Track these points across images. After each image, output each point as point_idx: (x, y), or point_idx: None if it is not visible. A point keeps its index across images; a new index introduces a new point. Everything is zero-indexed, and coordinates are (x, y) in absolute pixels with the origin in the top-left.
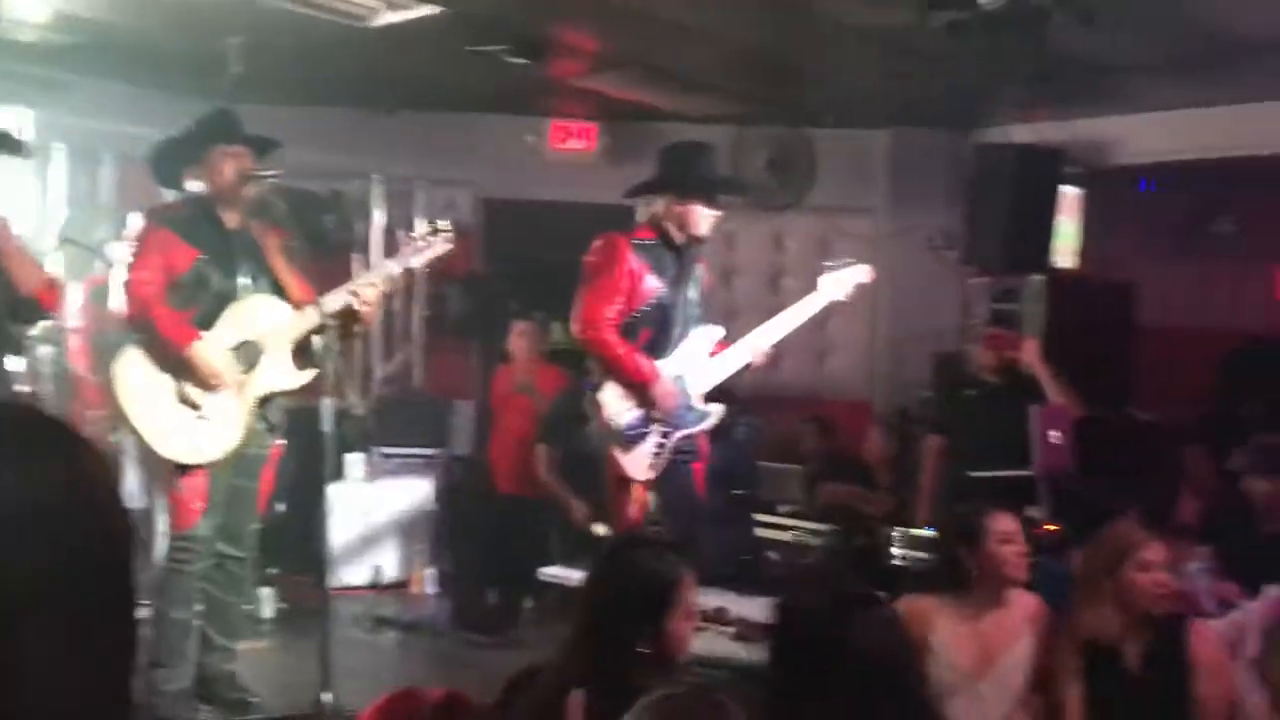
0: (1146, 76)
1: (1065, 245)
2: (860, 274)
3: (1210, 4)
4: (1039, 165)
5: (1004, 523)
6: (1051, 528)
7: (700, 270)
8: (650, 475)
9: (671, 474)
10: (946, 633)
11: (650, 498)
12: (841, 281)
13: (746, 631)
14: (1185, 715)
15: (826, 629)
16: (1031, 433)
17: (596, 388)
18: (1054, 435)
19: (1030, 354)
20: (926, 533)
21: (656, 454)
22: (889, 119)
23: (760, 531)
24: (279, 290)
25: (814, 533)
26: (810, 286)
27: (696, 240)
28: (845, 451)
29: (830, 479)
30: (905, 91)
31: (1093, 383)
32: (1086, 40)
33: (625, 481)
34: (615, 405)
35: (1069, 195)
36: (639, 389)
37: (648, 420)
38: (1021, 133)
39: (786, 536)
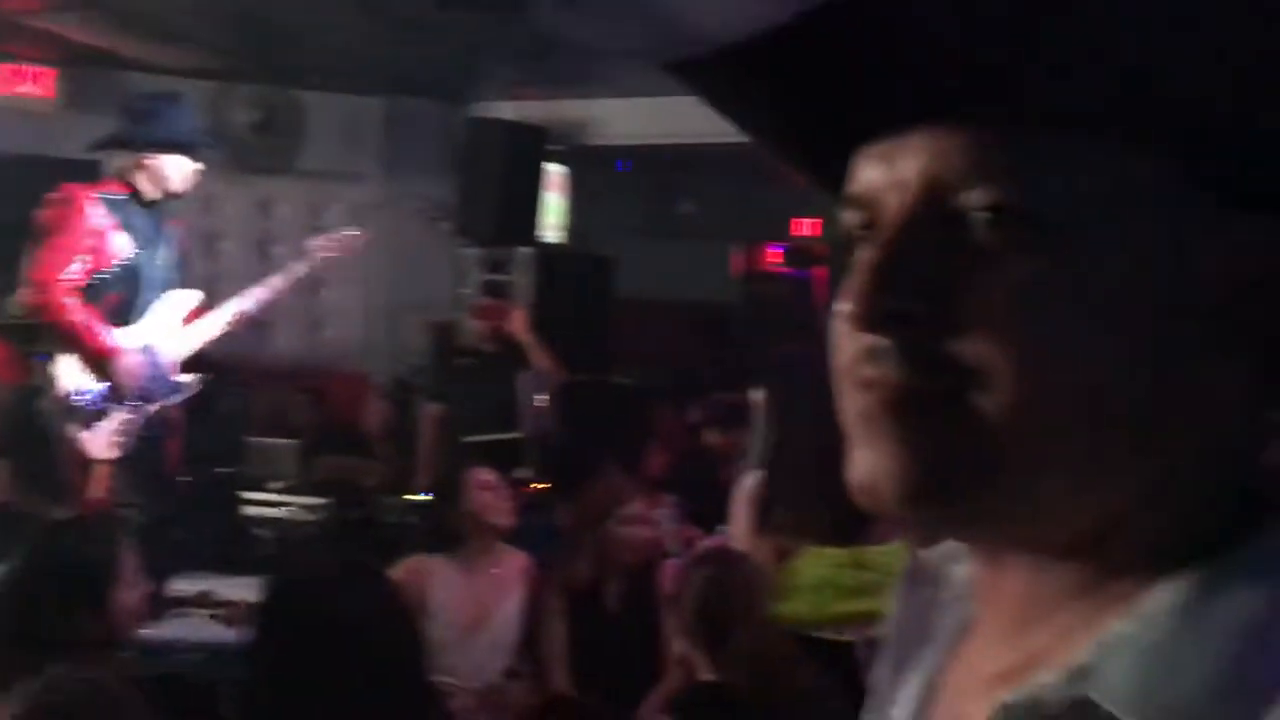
0: (623, 62)
1: (552, 220)
2: (346, 240)
3: None
4: (525, 141)
5: (482, 474)
6: (540, 486)
7: (175, 231)
8: (114, 454)
9: (140, 452)
10: (443, 592)
11: (117, 478)
12: (328, 248)
13: (232, 614)
14: (658, 649)
15: (319, 602)
16: (520, 398)
17: (50, 359)
18: (539, 399)
19: (518, 324)
20: (423, 498)
21: (121, 430)
22: (382, 86)
23: (249, 510)
24: None
25: (309, 508)
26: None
27: (171, 196)
28: (341, 423)
29: (326, 452)
30: (399, 60)
31: (576, 350)
32: (570, 23)
33: (86, 462)
34: (73, 378)
35: (555, 172)
36: (98, 360)
37: (111, 394)
38: (511, 109)
39: (279, 513)
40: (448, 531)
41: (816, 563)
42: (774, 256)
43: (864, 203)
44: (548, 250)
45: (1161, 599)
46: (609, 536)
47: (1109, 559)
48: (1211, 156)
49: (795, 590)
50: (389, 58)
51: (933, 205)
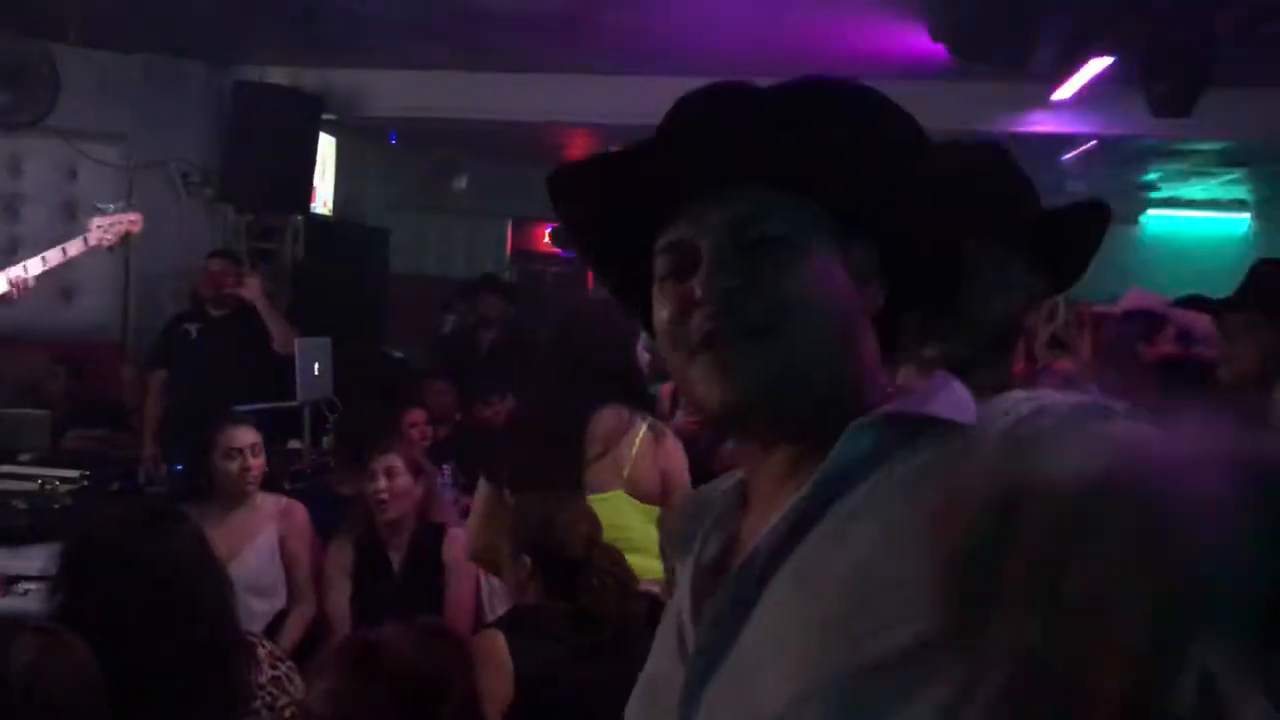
0: (400, 35)
1: (323, 189)
2: (130, 222)
3: None
4: (298, 109)
5: (229, 438)
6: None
7: None
8: None
9: None
10: None
11: None
12: (112, 227)
13: None
14: (439, 609)
15: (126, 549)
16: (298, 365)
17: None
18: (316, 367)
19: (251, 290)
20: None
21: None
22: (142, 44)
23: (4, 483)
24: None
25: (64, 480)
26: (55, 215)
27: None
28: (96, 394)
29: (81, 424)
30: (158, 17)
31: (348, 320)
32: None
33: None
34: None
35: (327, 142)
36: None
37: None
38: (279, 75)
39: (34, 486)
40: (197, 490)
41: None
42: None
43: (677, 249)
44: (317, 220)
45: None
46: (369, 496)
47: (837, 426)
48: (861, 222)
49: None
50: (147, 14)
51: (735, 234)
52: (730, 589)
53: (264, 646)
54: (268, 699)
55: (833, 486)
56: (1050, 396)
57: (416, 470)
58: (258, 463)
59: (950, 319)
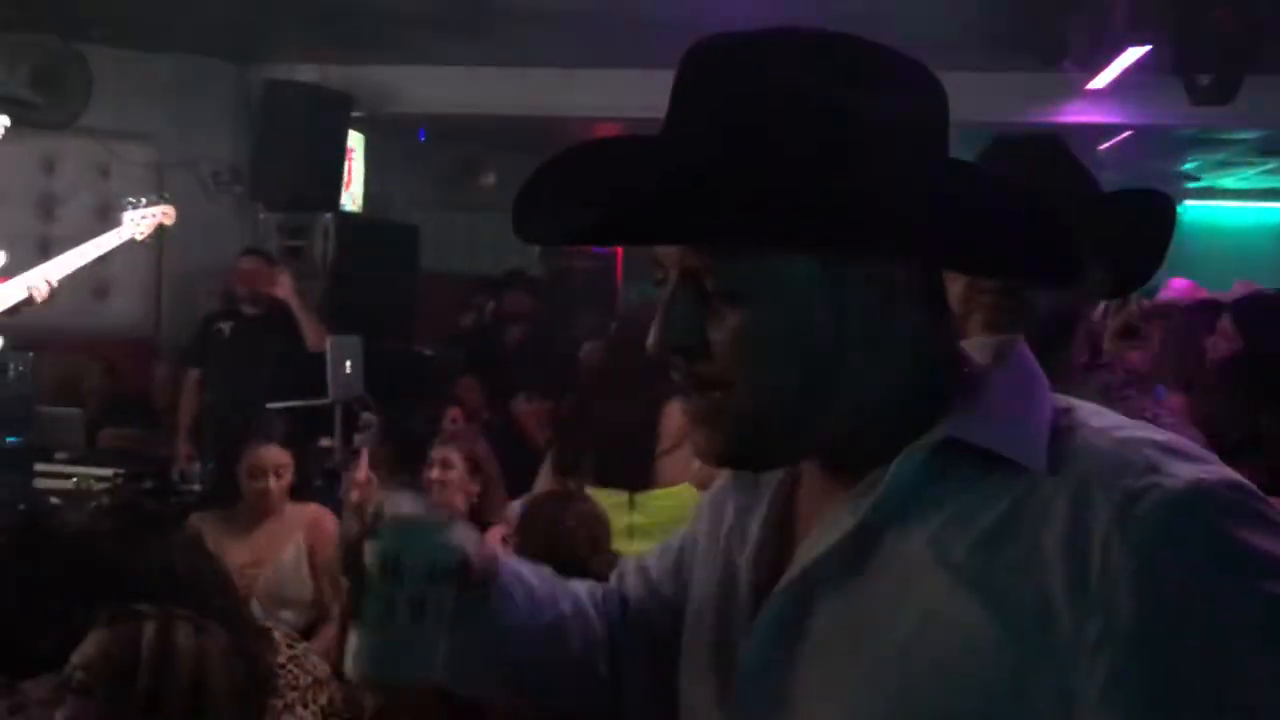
0: (427, 30)
1: (353, 187)
2: (163, 214)
3: None
4: (327, 107)
5: (256, 456)
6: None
7: None
8: None
9: None
10: (221, 545)
11: None
12: (143, 220)
13: None
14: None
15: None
16: (329, 363)
17: None
18: (348, 365)
19: (283, 288)
20: (210, 466)
21: None
22: (171, 44)
23: (40, 481)
24: None
25: (99, 478)
26: (87, 215)
27: None
28: (130, 392)
29: (113, 422)
30: (188, 17)
31: (380, 319)
32: None
33: None
34: None
35: (355, 139)
36: None
37: None
38: (308, 73)
39: (68, 484)
40: (227, 496)
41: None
42: None
43: (662, 265)
44: (348, 218)
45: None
46: (426, 488)
47: (859, 454)
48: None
49: None
50: (178, 13)
51: (687, 283)
52: (774, 606)
53: (277, 631)
54: (290, 679)
55: (885, 513)
56: (1143, 435)
57: (474, 467)
58: (282, 484)
59: (1012, 303)
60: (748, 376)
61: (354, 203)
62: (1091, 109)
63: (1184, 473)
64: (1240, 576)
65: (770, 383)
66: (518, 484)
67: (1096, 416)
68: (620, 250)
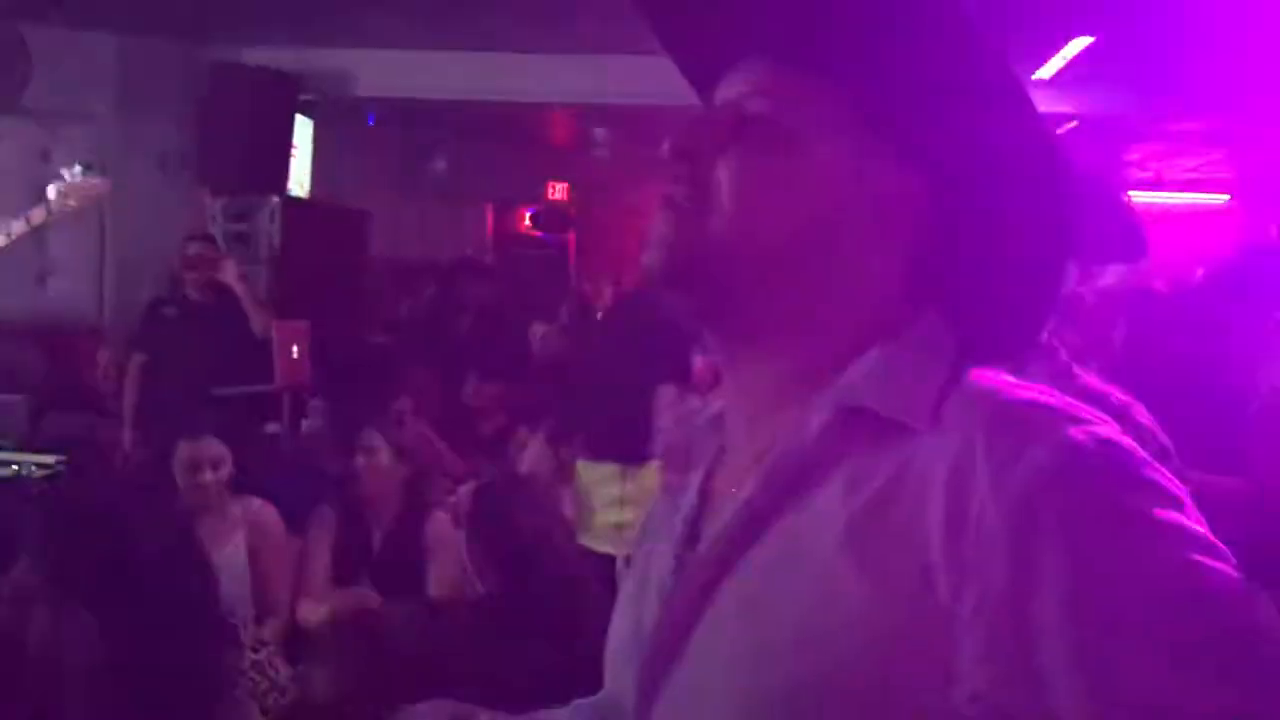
0: (377, 13)
1: (299, 171)
2: (95, 187)
3: None
4: (274, 89)
5: (187, 451)
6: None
7: None
8: None
9: None
10: None
11: None
12: (77, 192)
13: None
14: (418, 589)
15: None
16: (275, 349)
17: None
18: (295, 351)
19: (229, 273)
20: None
21: None
22: (115, 24)
23: None
24: None
25: (40, 465)
26: (28, 200)
27: None
28: (72, 378)
29: (57, 408)
30: None
31: (327, 304)
32: None
33: None
34: None
35: (303, 122)
36: None
37: None
38: (256, 55)
39: (8, 472)
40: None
41: (586, 473)
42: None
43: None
44: (295, 202)
45: (857, 368)
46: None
47: (813, 356)
48: (880, 109)
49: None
50: None
51: (727, 111)
52: (685, 579)
53: (244, 630)
54: (250, 685)
55: (784, 480)
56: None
57: (398, 452)
58: (218, 477)
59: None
60: (735, 205)
61: (301, 188)
62: (1036, 99)
63: (1062, 434)
64: (1114, 540)
65: (752, 224)
66: (469, 467)
67: (995, 380)
68: (572, 237)
